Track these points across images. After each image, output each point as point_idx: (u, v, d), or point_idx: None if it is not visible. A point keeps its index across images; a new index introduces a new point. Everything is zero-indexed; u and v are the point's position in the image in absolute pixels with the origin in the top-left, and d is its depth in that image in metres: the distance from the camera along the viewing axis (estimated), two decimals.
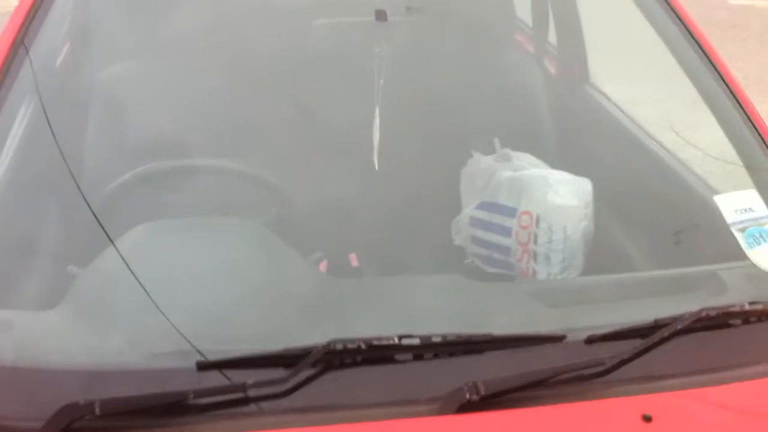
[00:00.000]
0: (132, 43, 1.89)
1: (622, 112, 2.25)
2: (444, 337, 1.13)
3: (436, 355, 1.14)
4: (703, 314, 1.20)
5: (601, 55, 2.61)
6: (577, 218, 1.61)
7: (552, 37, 2.54)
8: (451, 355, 1.14)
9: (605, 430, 1.10)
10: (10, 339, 1.18)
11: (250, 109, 1.80)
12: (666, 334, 1.16)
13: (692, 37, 1.69)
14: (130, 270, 1.20)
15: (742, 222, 1.40)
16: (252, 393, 1.05)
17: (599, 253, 1.62)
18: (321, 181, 1.71)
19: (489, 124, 1.91)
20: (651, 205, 1.80)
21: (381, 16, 1.81)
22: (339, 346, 1.09)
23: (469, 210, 1.75)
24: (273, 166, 1.69)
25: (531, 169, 1.76)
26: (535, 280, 1.60)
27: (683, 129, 3.98)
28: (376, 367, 1.12)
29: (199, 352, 1.10)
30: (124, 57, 1.90)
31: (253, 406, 1.06)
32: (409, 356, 1.13)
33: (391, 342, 1.11)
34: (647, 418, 1.07)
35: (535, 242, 1.61)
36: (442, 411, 1.06)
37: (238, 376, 1.07)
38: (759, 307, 1.25)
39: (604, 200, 1.68)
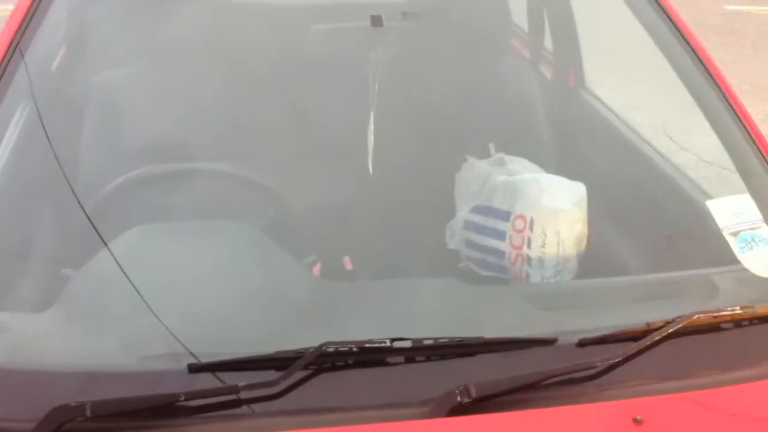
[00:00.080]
0: (128, 48, 1.90)
1: (617, 117, 2.26)
2: (436, 340, 1.13)
3: (428, 358, 1.15)
4: (695, 318, 1.20)
5: (596, 61, 2.62)
6: (571, 222, 1.62)
7: (548, 43, 2.55)
8: (443, 357, 1.14)
9: None
10: (3, 341, 1.18)
11: (246, 113, 1.80)
12: (658, 337, 1.17)
13: (686, 42, 1.70)
14: (124, 273, 1.20)
15: (734, 226, 1.41)
16: (244, 395, 1.06)
17: (593, 257, 1.62)
18: (316, 185, 1.71)
19: (484, 128, 1.92)
20: (644, 210, 1.81)
21: (377, 21, 1.81)
22: (331, 349, 1.09)
23: (463, 214, 1.75)
24: (268, 170, 1.69)
25: (525, 173, 1.76)
26: (528, 284, 1.60)
27: (677, 134, 3.99)
28: (368, 370, 1.13)
29: (191, 354, 1.10)
30: (120, 61, 1.90)
31: (245, 409, 1.06)
32: (401, 359, 1.13)
33: (383, 345, 1.11)
34: (638, 421, 1.08)
35: (529, 246, 1.61)
36: (434, 414, 1.07)
37: (230, 378, 1.07)
38: (751, 311, 1.26)
39: (598, 204, 1.69)
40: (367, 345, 1.10)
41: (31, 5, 1.60)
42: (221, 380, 1.08)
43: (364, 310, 1.28)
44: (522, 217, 1.63)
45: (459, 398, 1.06)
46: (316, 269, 1.56)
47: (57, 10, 1.68)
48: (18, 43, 1.52)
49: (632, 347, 1.15)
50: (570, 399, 1.11)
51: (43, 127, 1.42)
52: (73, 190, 1.36)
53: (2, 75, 1.46)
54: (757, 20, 7.78)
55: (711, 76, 1.64)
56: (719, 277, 1.39)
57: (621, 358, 1.14)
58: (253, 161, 1.70)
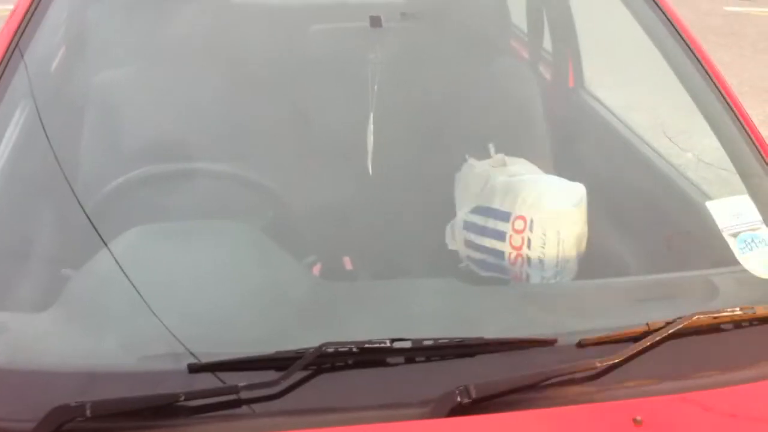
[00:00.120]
0: (127, 48, 1.90)
1: (617, 118, 2.26)
2: (436, 340, 1.13)
3: (428, 359, 1.14)
4: (695, 319, 1.20)
5: (595, 62, 2.62)
6: (571, 223, 1.62)
7: (547, 44, 2.55)
8: (443, 358, 1.14)
9: None
10: (3, 340, 1.18)
11: (246, 114, 1.80)
12: (658, 338, 1.17)
13: (686, 43, 1.70)
14: (124, 273, 1.20)
15: (734, 227, 1.41)
16: (244, 395, 1.05)
17: (593, 258, 1.62)
18: (316, 185, 1.71)
19: (484, 129, 1.92)
20: (644, 210, 1.81)
21: (376, 22, 1.81)
22: (331, 349, 1.09)
23: (463, 214, 1.75)
24: (268, 170, 1.69)
25: (525, 174, 1.76)
26: (528, 284, 1.60)
27: (676, 135, 4.00)
28: (368, 370, 1.13)
29: (191, 354, 1.10)
30: (120, 61, 1.90)
31: (245, 409, 1.06)
32: (401, 359, 1.13)
33: (383, 345, 1.11)
34: (638, 422, 1.08)
35: (529, 246, 1.62)
36: (434, 414, 1.07)
37: (230, 378, 1.07)
38: (751, 312, 1.26)
39: (597, 205, 1.69)
40: (367, 345, 1.10)
41: (30, 5, 1.60)
42: (221, 380, 1.08)
43: (364, 311, 1.28)
44: (522, 217, 1.63)
45: (459, 398, 1.06)
46: (316, 269, 1.56)
47: (57, 10, 1.68)
48: (18, 43, 1.52)
49: (632, 348, 1.15)
50: (570, 399, 1.11)
51: (43, 127, 1.42)
52: (73, 190, 1.36)
53: (2, 75, 1.46)
54: (757, 21, 7.79)
55: (710, 77, 1.64)
56: (719, 278, 1.39)
57: (621, 359, 1.14)
58: (253, 161, 1.70)
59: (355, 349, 1.10)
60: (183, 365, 1.08)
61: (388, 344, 1.11)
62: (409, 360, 1.14)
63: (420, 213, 1.73)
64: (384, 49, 1.81)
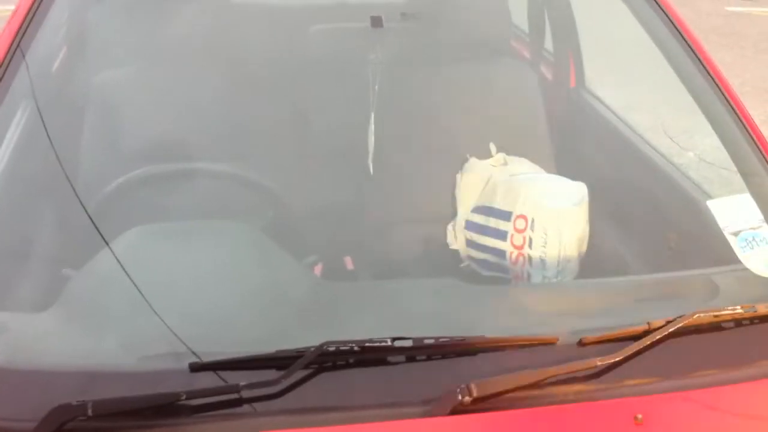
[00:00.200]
0: (128, 48, 1.90)
1: (618, 117, 2.26)
2: (437, 339, 1.13)
3: (429, 358, 1.14)
4: (696, 317, 1.20)
5: (596, 62, 2.62)
6: (572, 222, 1.62)
7: (548, 44, 2.55)
8: (444, 357, 1.14)
9: (597, 431, 1.10)
10: (4, 340, 1.18)
11: (246, 114, 1.80)
12: (658, 336, 1.17)
13: (687, 43, 1.70)
14: (124, 272, 1.20)
15: (735, 226, 1.41)
16: (245, 394, 1.05)
17: (594, 257, 1.62)
18: (316, 185, 1.71)
19: (485, 129, 1.92)
20: (646, 209, 1.81)
21: (377, 22, 1.82)
22: (332, 348, 1.09)
23: (464, 213, 1.76)
24: (268, 170, 1.69)
25: (527, 173, 1.77)
26: (529, 284, 1.60)
27: (678, 134, 4.00)
28: (369, 369, 1.12)
29: (192, 353, 1.10)
30: (121, 62, 1.90)
31: (246, 408, 1.06)
32: (402, 358, 1.13)
33: (384, 344, 1.11)
34: (639, 420, 1.08)
35: (530, 246, 1.62)
36: (435, 412, 1.06)
37: (231, 377, 1.07)
38: (751, 310, 1.25)
39: (599, 204, 1.69)
40: (368, 344, 1.10)
41: (32, 6, 1.61)
42: (222, 379, 1.08)
43: (365, 311, 1.28)
44: (523, 217, 1.64)
45: (460, 397, 1.06)
46: (317, 269, 1.56)
47: (58, 11, 1.68)
48: (19, 43, 1.52)
49: (633, 346, 1.15)
50: (571, 398, 1.11)
51: (44, 127, 1.42)
52: (73, 190, 1.36)
53: (3, 75, 1.46)
54: (758, 21, 7.79)
55: (712, 77, 1.64)
56: (720, 277, 1.39)
57: (622, 357, 1.14)
58: (253, 161, 1.70)
59: (356, 348, 1.10)
60: (184, 364, 1.08)
61: (389, 343, 1.11)
62: (410, 359, 1.13)
63: (421, 213, 1.73)
64: (385, 49, 1.82)
